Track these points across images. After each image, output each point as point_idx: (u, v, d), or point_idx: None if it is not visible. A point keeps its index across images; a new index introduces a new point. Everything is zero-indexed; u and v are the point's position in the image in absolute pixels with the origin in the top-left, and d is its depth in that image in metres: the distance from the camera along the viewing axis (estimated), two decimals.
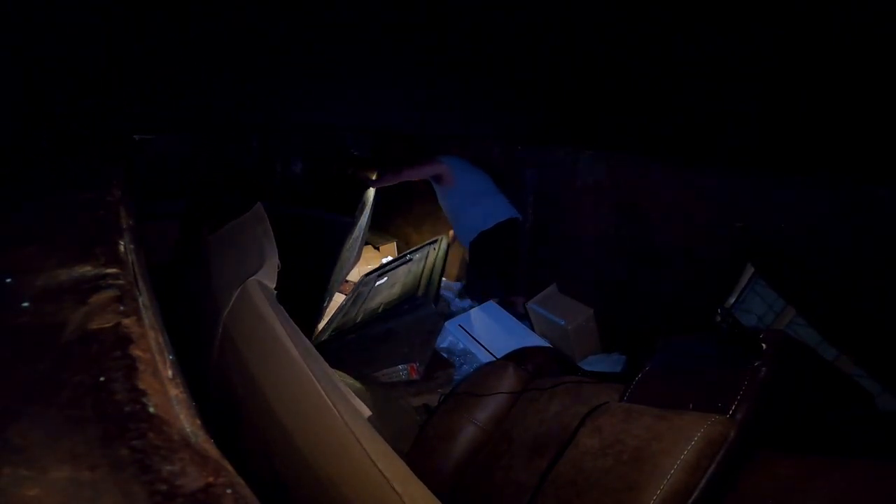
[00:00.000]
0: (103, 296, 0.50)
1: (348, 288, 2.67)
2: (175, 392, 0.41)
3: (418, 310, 1.94)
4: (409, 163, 2.43)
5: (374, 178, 2.37)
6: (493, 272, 2.47)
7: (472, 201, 2.39)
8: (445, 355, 2.13)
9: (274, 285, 1.15)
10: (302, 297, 1.27)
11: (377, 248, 3.09)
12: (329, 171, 2.50)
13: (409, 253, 2.67)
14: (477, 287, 2.53)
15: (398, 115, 2.93)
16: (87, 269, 0.54)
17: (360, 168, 2.48)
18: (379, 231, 3.15)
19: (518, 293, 2.53)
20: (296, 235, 1.45)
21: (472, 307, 2.42)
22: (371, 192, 2.36)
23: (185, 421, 0.38)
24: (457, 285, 2.70)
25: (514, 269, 2.58)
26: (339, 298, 2.55)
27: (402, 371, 1.93)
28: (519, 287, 2.56)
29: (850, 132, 1.98)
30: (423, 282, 2.15)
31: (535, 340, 2.18)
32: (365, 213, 2.32)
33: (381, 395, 1.82)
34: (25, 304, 0.48)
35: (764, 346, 1.02)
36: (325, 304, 2.09)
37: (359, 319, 2.10)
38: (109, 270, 0.55)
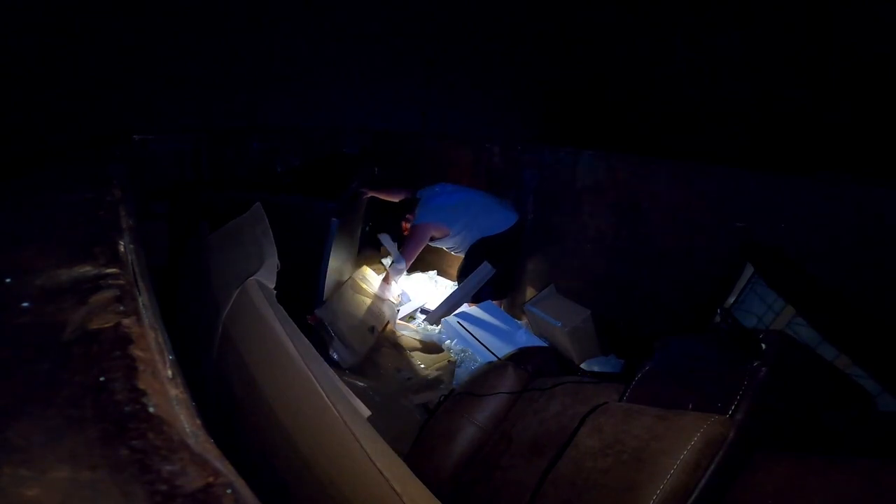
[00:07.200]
0: (103, 296, 0.50)
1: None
2: (175, 392, 0.41)
3: None
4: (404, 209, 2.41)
5: (363, 177, 2.34)
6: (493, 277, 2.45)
7: (473, 228, 2.37)
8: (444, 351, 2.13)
9: (273, 285, 1.15)
10: (293, 285, 1.26)
11: (377, 249, 3.08)
12: (319, 168, 2.48)
13: None
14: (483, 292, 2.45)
15: (398, 115, 2.94)
16: (87, 269, 0.54)
17: (350, 164, 2.47)
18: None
19: (499, 297, 2.51)
20: (279, 221, 1.43)
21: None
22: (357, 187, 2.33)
23: (185, 421, 0.38)
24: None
25: (513, 271, 2.56)
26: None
27: None
28: (505, 290, 2.54)
29: (850, 133, 1.98)
30: None
31: (532, 340, 2.18)
32: (357, 212, 2.29)
33: (382, 394, 1.82)
34: (25, 304, 0.48)
35: (764, 346, 1.02)
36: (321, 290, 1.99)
37: None
38: (109, 270, 0.55)
